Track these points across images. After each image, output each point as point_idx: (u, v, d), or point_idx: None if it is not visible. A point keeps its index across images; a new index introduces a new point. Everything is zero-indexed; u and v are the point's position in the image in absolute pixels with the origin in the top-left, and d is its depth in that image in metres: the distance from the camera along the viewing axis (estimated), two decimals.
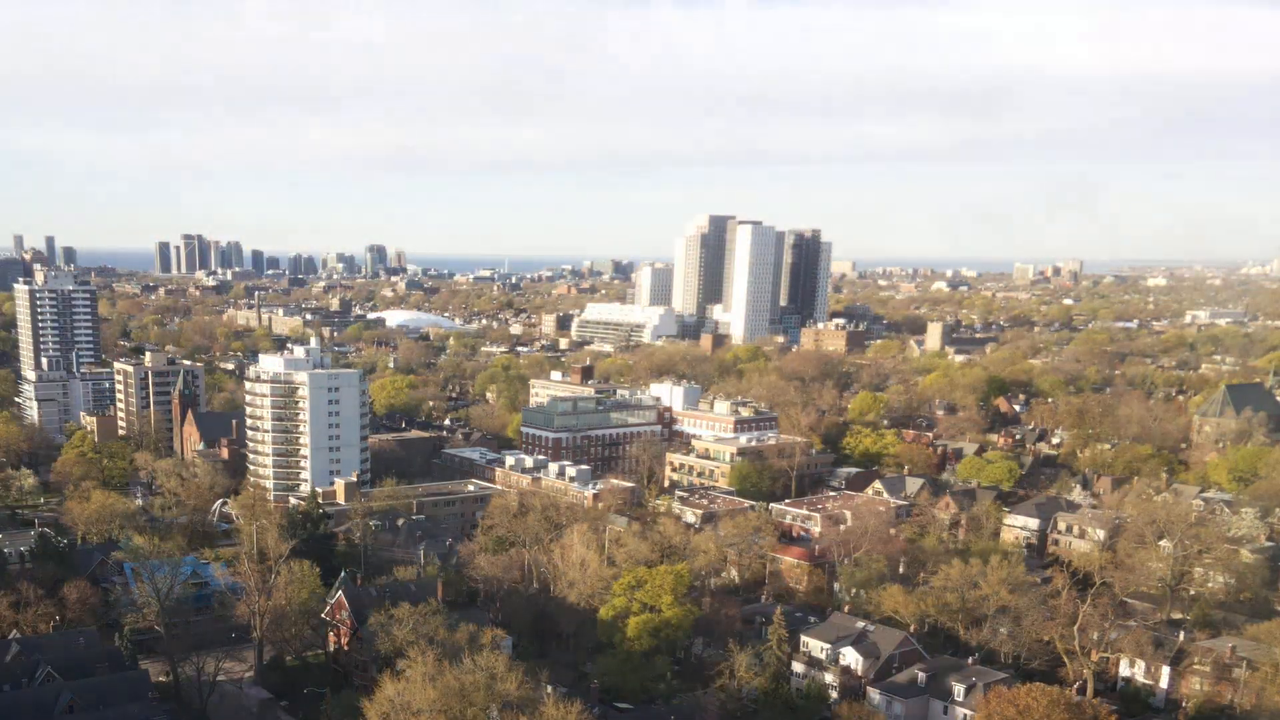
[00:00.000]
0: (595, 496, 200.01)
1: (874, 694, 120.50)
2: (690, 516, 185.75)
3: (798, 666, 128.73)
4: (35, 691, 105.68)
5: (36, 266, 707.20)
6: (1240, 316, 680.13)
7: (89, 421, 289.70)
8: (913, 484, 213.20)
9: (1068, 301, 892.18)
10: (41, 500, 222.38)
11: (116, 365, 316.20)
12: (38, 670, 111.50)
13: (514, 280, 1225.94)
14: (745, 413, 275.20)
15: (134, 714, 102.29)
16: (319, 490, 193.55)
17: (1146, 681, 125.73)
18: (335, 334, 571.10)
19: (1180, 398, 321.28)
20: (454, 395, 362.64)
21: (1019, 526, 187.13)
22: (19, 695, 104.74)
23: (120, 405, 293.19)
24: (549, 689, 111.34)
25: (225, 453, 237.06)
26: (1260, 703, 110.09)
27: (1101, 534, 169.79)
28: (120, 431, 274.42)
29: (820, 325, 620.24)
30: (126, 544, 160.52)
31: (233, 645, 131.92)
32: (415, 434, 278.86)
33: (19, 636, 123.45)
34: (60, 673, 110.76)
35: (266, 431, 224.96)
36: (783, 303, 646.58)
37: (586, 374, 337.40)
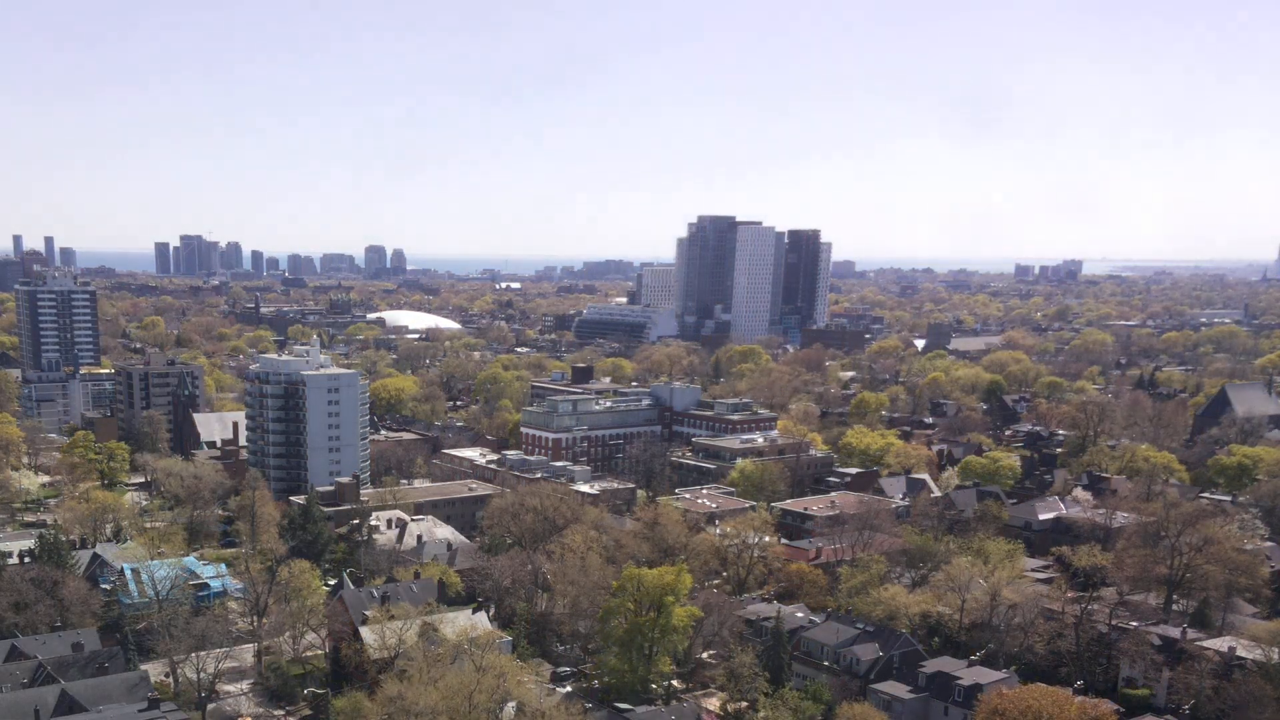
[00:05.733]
0: (595, 497, 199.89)
1: (874, 694, 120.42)
2: (690, 516, 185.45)
3: (798, 667, 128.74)
4: (34, 692, 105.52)
5: (36, 267, 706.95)
6: (1241, 317, 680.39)
7: (89, 422, 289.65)
8: (913, 484, 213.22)
9: (1068, 301, 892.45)
10: (41, 501, 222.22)
11: (116, 365, 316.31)
12: (37, 670, 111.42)
13: (514, 280, 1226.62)
14: (745, 413, 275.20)
15: (134, 714, 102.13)
16: (319, 490, 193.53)
17: (1146, 681, 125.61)
18: (335, 334, 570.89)
19: (1181, 397, 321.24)
20: (453, 395, 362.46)
21: (1019, 526, 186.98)
22: (18, 695, 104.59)
23: (121, 406, 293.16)
24: (549, 689, 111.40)
25: (225, 453, 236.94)
26: (1260, 703, 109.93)
27: (1102, 534, 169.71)
28: (120, 432, 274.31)
29: (820, 324, 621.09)
30: (126, 544, 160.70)
31: (232, 646, 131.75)
32: (415, 434, 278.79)
33: (18, 636, 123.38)
34: (60, 673, 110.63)
35: (266, 432, 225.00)
36: (782, 302, 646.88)
37: (586, 374, 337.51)
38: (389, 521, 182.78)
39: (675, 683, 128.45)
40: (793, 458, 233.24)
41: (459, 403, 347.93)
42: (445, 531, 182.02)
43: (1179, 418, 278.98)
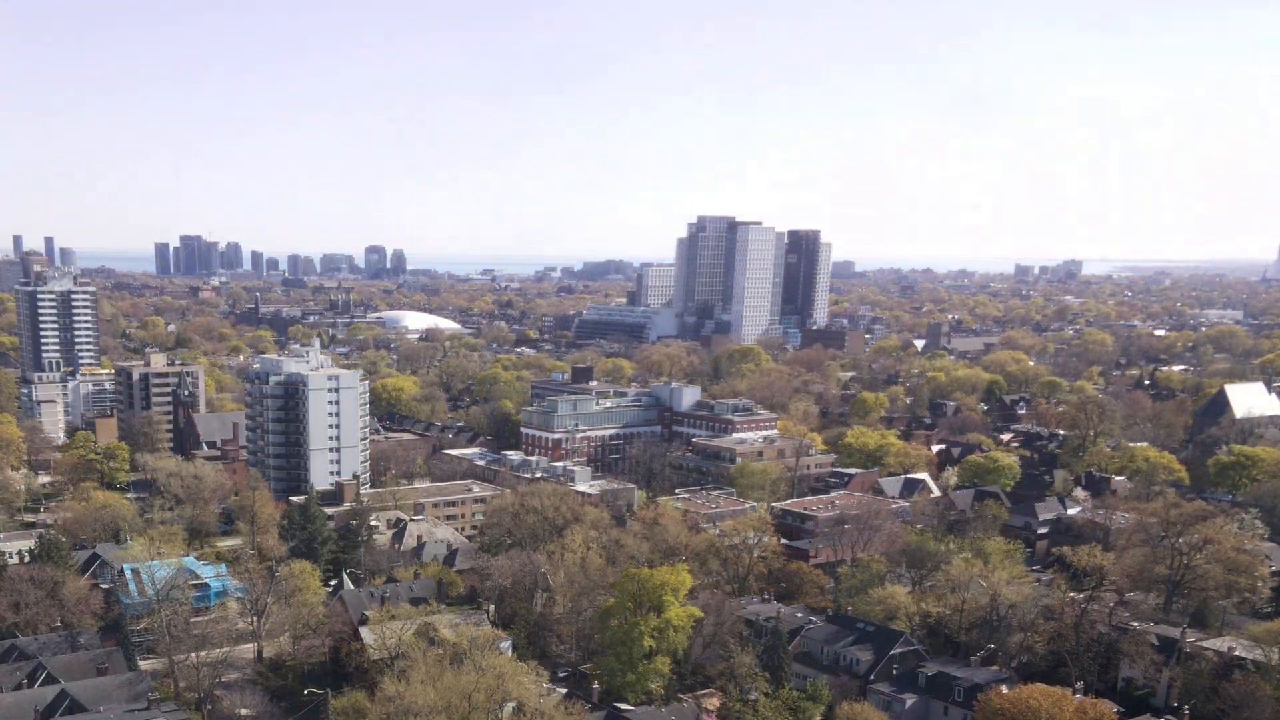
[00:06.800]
0: (595, 497, 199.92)
1: (874, 694, 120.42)
2: (690, 516, 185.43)
3: (798, 667, 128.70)
4: (34, 692, 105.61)
5: (36, 268, 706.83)
6: (1241, 317, 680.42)
7: (89, 422, 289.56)
8: (913, 484, 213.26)
9: (1069, 299, 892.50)
10: (42, 501, 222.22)
11: (116, 366, 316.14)
12: (37, 671, 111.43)
13: (514, 280, 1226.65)
14: (745, 413, 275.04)
15: (134, 714, 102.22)
16: (319, 490, 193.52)
17: (1147, 681, 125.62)
18: (335, 334, 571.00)
19: (1181, 397, 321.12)
20: (454, 395, 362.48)
21: (1019, 526, 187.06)
22: (19, 696, 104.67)
23: (120, 406, 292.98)
24: (549, 690, 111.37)
25: (225, 453, 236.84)
26: (1260, 703, 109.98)
27: (1102, 534, 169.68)
28: (120, 432, 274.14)
29: (820, 325, 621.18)
30: (127, 545, 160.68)
31: (232, 646, 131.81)
32: (415, 434, 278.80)
33: (18, 636, 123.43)
34: (60, 673, 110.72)
35: (267, 432, 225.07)
36: (782, 302, 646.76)
37: (586, 374, 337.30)
38: (389, 522, 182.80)
39: (675, 684, 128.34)
40: (793, 458, 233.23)
41: (459, 403, 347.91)
42: (445, 532, 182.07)
43: (1179, 418, 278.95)
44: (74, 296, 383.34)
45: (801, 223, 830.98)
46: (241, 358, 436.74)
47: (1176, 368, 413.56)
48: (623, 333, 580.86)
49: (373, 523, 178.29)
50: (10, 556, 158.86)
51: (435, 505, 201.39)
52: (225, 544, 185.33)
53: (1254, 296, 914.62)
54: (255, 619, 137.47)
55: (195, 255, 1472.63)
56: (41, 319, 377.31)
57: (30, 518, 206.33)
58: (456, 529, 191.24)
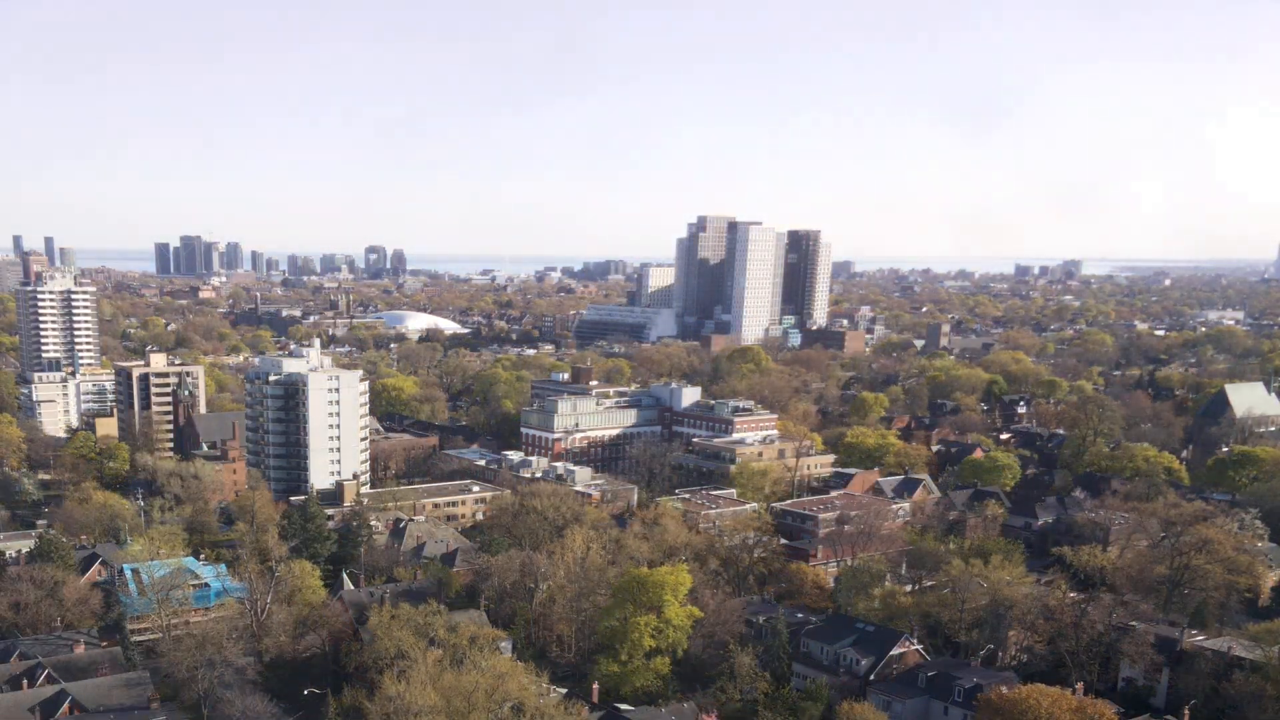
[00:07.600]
0: (595, 497, 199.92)
1: (874, 694, 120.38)
2: (690, 517, 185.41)
3: (798, 667, 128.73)
4: (34, 692, 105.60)
5: (35, 268, 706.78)
6: (1242, 317, 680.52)
7: (89, 423, 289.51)
8: (912, 484, 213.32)
9: (1069, 299, 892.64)
10: (42, 501, 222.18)
11: (116, 366, 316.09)
12: (37, 671, 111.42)
13: (514, 280, 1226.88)
14: (745, 413, 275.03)
15: (134, 714, 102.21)
16: (319, 490, 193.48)
17: (1147, 681, 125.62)
18: (335, 334, 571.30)
19: (1180, 397, 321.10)
20: (454, 395, 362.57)
21: (1019, 527, 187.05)
22: (19, 697, 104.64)
23: (120, 406, 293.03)
24: (548, 689, 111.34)
25: (225, 453, 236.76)
26: (1260, 703, 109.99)
27: (1102, 534, 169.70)
28: (119, 432, 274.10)
29: (820, 324, 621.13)
30: (127, 545, 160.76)
31: (232, 646, 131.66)
32: (415, 434, 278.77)
33: (19, 636, 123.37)
34: (60, 674, 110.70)
35: (267, 432, 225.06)
36: (782, 302, 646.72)
37: (585, 374, 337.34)
38: (388, 522, 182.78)
39: (675, 684, 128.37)
40: (793, 458, 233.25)
41: (459, 403, 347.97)
42: (445, 532, 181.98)
43: (1179, 418, 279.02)
44: (74, 296, 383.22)
45: (801, 223, 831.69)
46: (241, 358, 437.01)
47: (1176, 368, 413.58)
48: (623, 333, 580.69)
49: (372, 523, 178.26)
50: (10, 556, 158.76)
51: (435, 505, 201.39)
52: (225, 545, 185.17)
53: (1254, 296, 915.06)
54: (255, 619, 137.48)
55: (195, 255, 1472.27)
56: (41, 319, 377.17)
57: (30, 517, 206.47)
58: (456, 529, 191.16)
